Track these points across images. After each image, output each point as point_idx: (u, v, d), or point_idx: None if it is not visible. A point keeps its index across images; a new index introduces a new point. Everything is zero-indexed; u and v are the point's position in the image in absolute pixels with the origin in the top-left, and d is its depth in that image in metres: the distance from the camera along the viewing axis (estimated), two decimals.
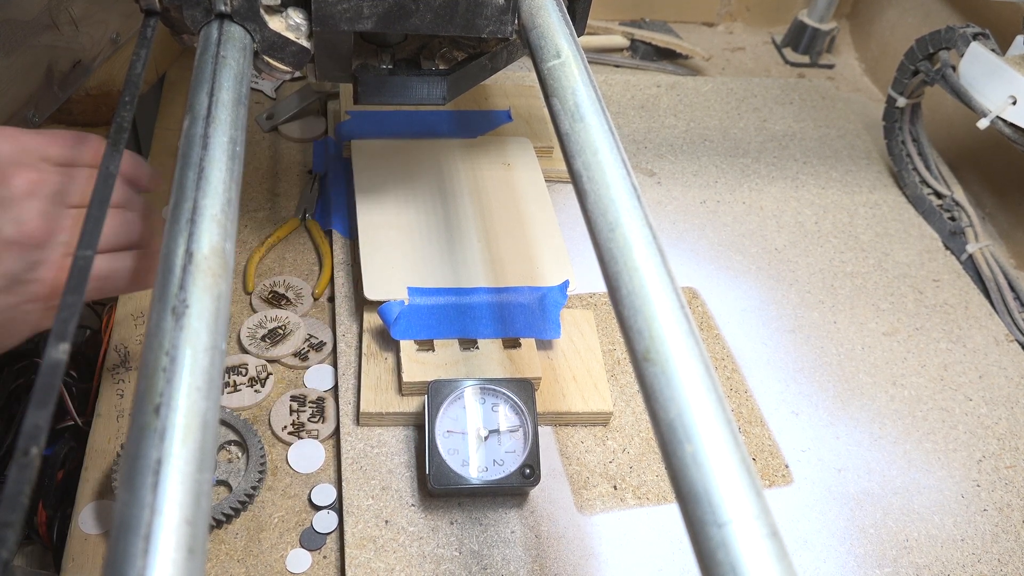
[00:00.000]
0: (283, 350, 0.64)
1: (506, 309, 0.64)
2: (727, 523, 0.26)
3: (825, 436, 0.64)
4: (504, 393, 0.58)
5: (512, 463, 0.56)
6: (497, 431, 0.57)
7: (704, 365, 0.31)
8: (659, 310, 0.32)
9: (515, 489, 0.57)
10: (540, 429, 0.61)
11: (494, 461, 0.56)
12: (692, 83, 1.01)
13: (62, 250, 0.43)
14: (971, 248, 0.80)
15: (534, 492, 0.58)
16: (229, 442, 0.59)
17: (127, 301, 0.68)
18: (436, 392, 0.57)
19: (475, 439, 0.56)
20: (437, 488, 0.55)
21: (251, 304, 0.68)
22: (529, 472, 0.55)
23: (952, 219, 0.84)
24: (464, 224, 0.71)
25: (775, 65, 1.10)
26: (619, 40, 1.05)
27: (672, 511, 0.57)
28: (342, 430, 0.60)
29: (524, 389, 0.58)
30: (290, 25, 0.50)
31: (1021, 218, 0.84)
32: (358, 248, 0.68)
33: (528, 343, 0.63)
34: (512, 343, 0.63)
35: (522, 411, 0.57)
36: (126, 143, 0.40)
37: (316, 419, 0.60)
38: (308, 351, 0.65)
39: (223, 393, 0.61)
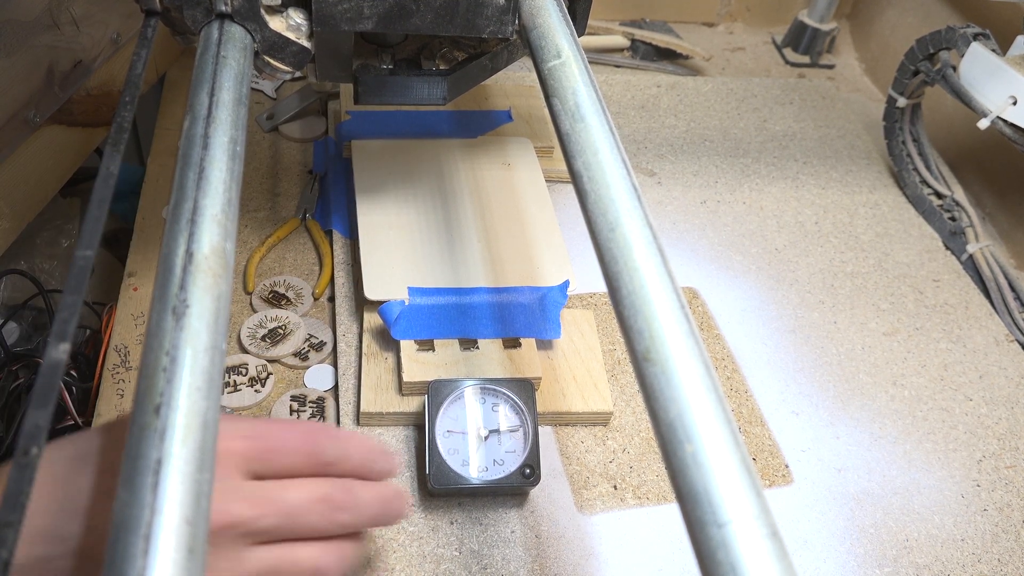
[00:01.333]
0: (283, 350, 0.64)
1: (506, 309, 0.64)
2: (727, 523, 0.26)
3: (825, 436, 0.64)
4: (504, 393, 0.58)
5: (512, 463, 0.56)
6: (497, 431, 0.57)
7: (704, 365, 0.31)
8: (659, 310, 0.32)
9: (515, 489, 0.57)
10: (540, 429, 0.61)
11: (494, 461, 0.56)
12: (692, 83, 1.01)
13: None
14: (971, 248, 0.80)
15: (534, 492, 0.58)
16: None
17: (127, 301, 0.68)
18: (436, 392, 0.57)
19: (475, 439, 0.56)
20: (437, 488, 0.55)
21: (251, 304, 0.68)
22: (529, 472, 0.55)
23: (952, 219, 0.84)
24: (464, 224, 0.71)
25: (775, 65, 1.10)
26: (619, 40, 1.05)
27: (672, 511, 0.57)
28: None
29: (524, 389, 0.58)
30: (291, 25, 0.50)
31: (1021, 218, 0.84)
32: (358, 248, 0.68)
33: (528, 343, 0.63)
34: (512, 343, 0.63)
35: (522, 411, 0.57)
36: (126, 143, 0.40)
37: (316, 419, 0.60)
38: (308, 351, 0.65)
39: (223, 393, 0.61)
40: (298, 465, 0.40)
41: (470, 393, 0.58)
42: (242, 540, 0.37)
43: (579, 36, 0.48)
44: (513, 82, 0.92)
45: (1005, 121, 0.71)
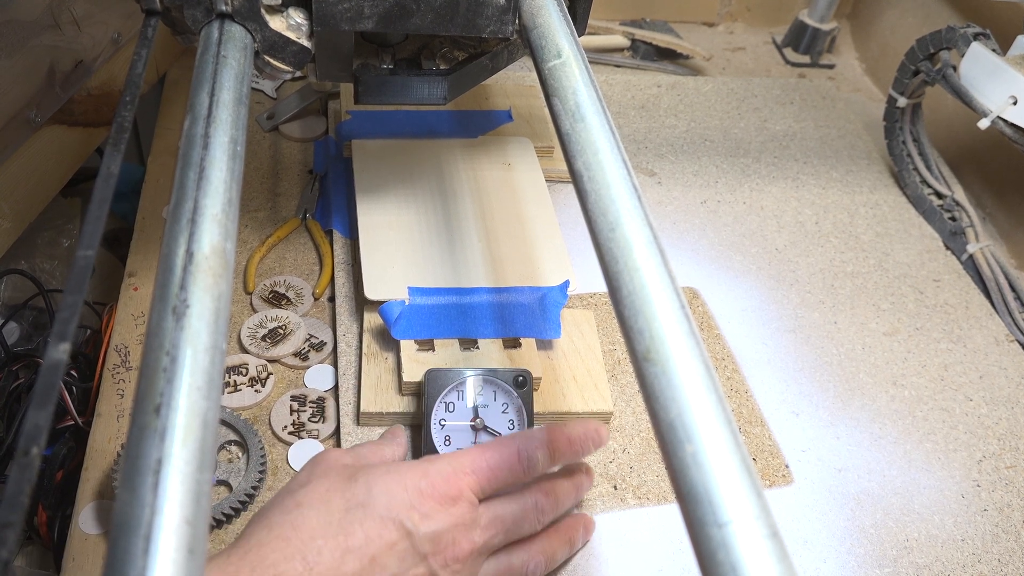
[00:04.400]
0: (283, 350, 0.64)
1: (506, 309, 0.64)
2: (727, 523, 0.26)
3: (825, 436, 0.64)
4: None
5: None
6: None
7: (704, 365, 0.31)
8: (659, 310, 0.32)
9: None
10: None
11: None
12: (692, 83, 1.01)
13: None
14: (971, 248, 0.80)
15: None
16: (229, 442, 0.59)
17: (128, 301, 0.68)
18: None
19: (471, 431, 0.56)
20: None
21: (251, 304, 0.68)
22: (522, 380, 0.56)
23: (952, 219, 0.84)
24: (464, 224, 0.71)
25: (775, 65, 1.10)
26: (619, 40, 1.05)
27: (672, 511, 0.57)
28: (342, 430, 0.60)
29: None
30: (291, 25, 0.50)
31: (1021, 218, 0.84)
32: (358, 248, 0.68)
33: (528, 343, 0.63)
34: (512, 343, 0.63)
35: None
36: (126, 143, 0.40)
37: (316, 419, 0.60)
38: (308, 351, 0.65)
39: (223, 393, 0.61)
40: (517, 479, 0.48)
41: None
42: (481, 557, 0.47)
43: (579, 36, 0.48)
44: (513, 82, 0.92)
45: (1005, 121, 0.71)
